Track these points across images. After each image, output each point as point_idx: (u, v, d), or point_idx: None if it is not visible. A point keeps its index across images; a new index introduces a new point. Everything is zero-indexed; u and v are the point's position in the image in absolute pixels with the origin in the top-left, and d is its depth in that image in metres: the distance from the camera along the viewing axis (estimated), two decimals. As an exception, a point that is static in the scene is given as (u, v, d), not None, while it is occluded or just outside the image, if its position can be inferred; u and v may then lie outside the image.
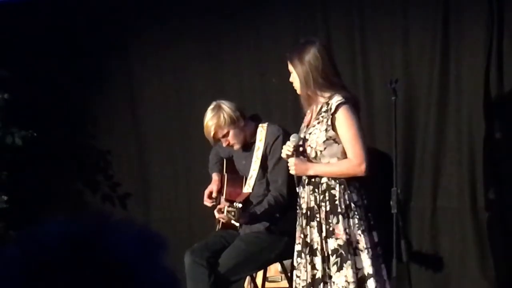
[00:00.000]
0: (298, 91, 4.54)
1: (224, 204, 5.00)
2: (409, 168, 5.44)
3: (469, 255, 5.33)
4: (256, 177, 5.11)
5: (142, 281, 1.27)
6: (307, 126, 4.57)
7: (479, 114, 5.32)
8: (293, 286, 4.67)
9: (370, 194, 5.30)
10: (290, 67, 4.55)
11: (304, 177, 4.56)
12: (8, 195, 6.09)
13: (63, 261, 1.24)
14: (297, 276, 4.59)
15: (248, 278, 5.47)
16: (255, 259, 5.04)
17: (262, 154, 5.10)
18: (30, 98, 6.30)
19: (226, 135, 5.09)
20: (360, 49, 5.58)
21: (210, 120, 5.07)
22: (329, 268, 4.43)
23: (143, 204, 6.29)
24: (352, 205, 4.44)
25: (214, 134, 5.08)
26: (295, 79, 4.54)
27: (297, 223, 4.60)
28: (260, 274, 5.43)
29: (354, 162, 4.44)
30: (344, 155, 4.47)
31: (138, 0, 6.27)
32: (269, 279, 5.54)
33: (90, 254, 1.25)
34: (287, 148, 4.52)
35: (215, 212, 5.10)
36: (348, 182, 4.46)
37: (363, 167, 4.44)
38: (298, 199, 4.60)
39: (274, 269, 5.52)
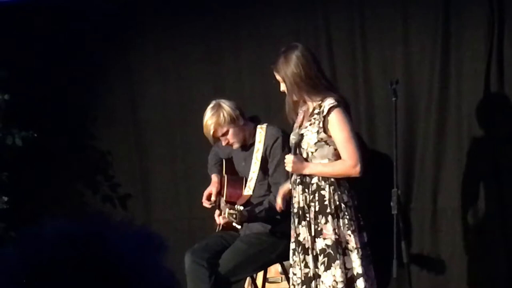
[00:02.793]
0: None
1: (225, 207, 4.99)
2: (409, 169, 5.43)
3: (469, 255, 5.32)
4: (256, 179, 5.09)
5: (142, 282, 1.27)
6: (299, 127, 4.59)
7: (479, 114, 5.32)
8: (291, 284, 4.69)
9: (370, 195, 5.31)
10: (277, 76, 4.59)
11: (295, 177, 4.58)
12: (8, 195, 6.08)
13: (63, 261, 1.24)
14: (294, 274, 4.63)
15: (248, 279, 5.46)
16: (255, 260, 5.03)
17: (262, 156, 5.09)
18: (30, 98, 6.28)
19: (225, 134, 5.08)
20: (360, 49, 5.58)
21: (209, 119, 5.06)
22: (317, 267, 4.47)
23: (143, 204, 6.27)
24: (342, 205, 4.47)
25: (213, 132, 5.07)
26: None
27: (291, 221, 4.62)
28: (260, 275, 5.43)
29: (349, 163, 4.47)
30: (334, 156, 4.50)
31: (138, 0, 6.26)
32: (269, 280, 5.53)
33: (90, 255, 1.25)
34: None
35: (215, 216, 5.10)
36: (339, 182, 4.49)
37: (358, 168, 4.47)
38: (292, 199, 4.61)
39: (275, 270, 5.52)
